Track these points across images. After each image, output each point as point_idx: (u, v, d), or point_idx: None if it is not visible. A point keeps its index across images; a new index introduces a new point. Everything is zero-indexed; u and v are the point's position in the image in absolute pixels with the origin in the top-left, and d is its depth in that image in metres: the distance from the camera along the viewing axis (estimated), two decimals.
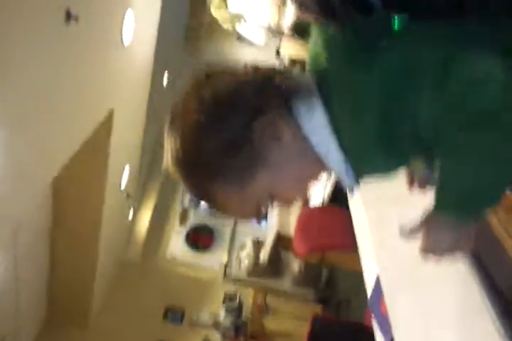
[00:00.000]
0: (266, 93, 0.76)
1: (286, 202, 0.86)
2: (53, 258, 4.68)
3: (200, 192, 0.82)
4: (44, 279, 4.81)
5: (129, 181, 5.52)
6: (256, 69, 0.80)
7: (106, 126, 3.92)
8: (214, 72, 0.80)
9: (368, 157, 0.80)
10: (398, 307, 1.70)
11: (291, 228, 3.81)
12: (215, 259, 6.79)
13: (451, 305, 1.33)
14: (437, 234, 0.79)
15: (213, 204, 0.83)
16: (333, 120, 0.77)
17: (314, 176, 0.85)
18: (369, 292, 2.15)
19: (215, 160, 0.76)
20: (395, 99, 0.72)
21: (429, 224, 0.80)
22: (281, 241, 6.70)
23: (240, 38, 8.18)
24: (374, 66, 0.72)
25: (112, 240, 5.29)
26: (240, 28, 7.44)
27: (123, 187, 5.28)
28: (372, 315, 2.12)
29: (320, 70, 0.80)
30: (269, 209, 0.85)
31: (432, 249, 0.81)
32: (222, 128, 0.75)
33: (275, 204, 0.85)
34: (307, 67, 0.86)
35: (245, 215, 0.90)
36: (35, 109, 2.66)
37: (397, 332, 1.66)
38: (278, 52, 5.75)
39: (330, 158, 0.80)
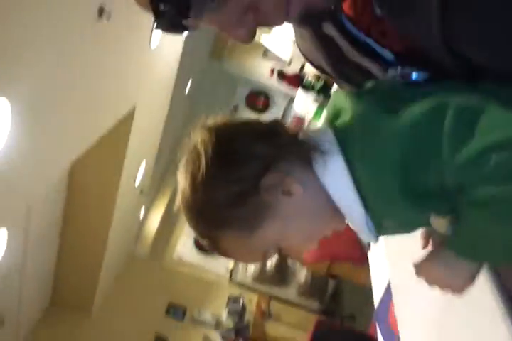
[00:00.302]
0: (278, 147, 0.76)
1: (294, 254, 0.86)
2: (62, 245, 4.73)
3: (205, 237, 0.80)
4: (51, 264, 4.86)
5: (143, 178, 5.59)
6: (272, 123, 0.81)
7: (127, 122, 3.98)
8: (231, 121, 0.80)
9: (391, 211, 0.76)
10: (407, 317, 1.69)
11: None
12: (221, 263, 6.80)
13: (465, 316, 1.32)
14: (436, 266, 0.77)
15: (218, 250, 0.81)
16: (354, 173, 0.75)
17: (326, 233, 0.83)
18: (376, 303, 2.15)
19: (222, 211, 0.76)
20: (419, 148, 0.70)
21: (432, 256, 0.79)
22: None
23: (266, 52, 8.23)
24: (399, 115, 0.71)
25: (121, 233, 5.34)
26: (267, 42, 7.47)
27: (137, 183, 5.35)
28: (378, 327, 2.11)
29: (340, 123, 0.79)
30: (275, 257, 0.87)
31: (424, 276, 0.80)
32: (231, 181, 0.74)
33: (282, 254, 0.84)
34: (325, 120, 0.86)
35: (249, 262, 0.89)
36: (61, 97, 2.72)
37: None
38: (302, 68, 5.76)
39: (350, 212, 0.78)
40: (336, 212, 0.79)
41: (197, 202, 0.78)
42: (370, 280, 2.28)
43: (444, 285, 0.79)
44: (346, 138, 0.76)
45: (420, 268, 0.80)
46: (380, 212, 0.77)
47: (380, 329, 2.15)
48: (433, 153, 0.69)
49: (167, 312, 5.96)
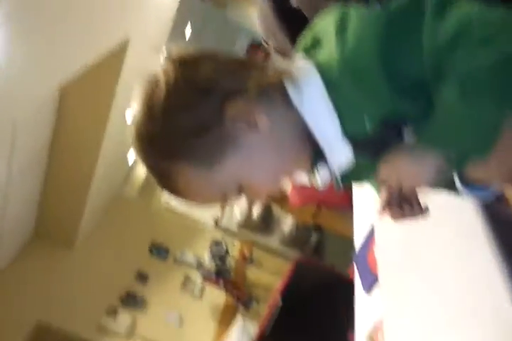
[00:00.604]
0: (241, 77, 0.71)
1: (255, 196, 0.78)
2: (48, 173, 4.67)
3: (160, 173, 0.75)
4: (36, 193, 4.83)
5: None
6: (238, 57, 0.76)
7: (119, 54, 3.86)
8: (198, 54, 0.74)
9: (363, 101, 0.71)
10: (388, 258, 1.68)
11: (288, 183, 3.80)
12: (208, 213, 6.84)
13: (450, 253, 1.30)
14: (405, 161, 0.72)
15: (173, 188, 0.76)
16: (332, 91, 0.71)
17: (289, 172, 0.79)
18: (357, 246, 2.15)
19: (181, 140, 0.71)
20: (399, 27, 0.68)
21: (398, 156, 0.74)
22: (277, 199, 6.74)
23: None
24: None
25: (109, 169, 5.31)
26: None
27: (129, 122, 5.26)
28: (355, 266, 2.13)
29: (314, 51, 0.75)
30: (235, 199, 0.77)
31: (389, 174, 0.75)
32: (193, 110, 0.70)
33: (244, 194, 0.78)
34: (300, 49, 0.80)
35: (207, 202, 0.79)
36: (53, 15, 2.62)
37: (383, 282, 1.64)
38: None
39: (325, 136, 0.73)
40: (301, 149, 0.76)
41: (152, 131, 0.72)
42: (353, 232, 2.29)
43: (411, 181, 0.75)
44: (323, 63, 0.71)
45: (388, 165, 0.75)
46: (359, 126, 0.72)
47: (358, 270, 2.17)
48: (413, 30, 0.66)
49: (150, 251, 6.04)
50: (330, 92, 0.71)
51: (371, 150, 0.76)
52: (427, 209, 0.91)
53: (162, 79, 0.71)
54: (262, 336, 2.75)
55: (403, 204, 0.88)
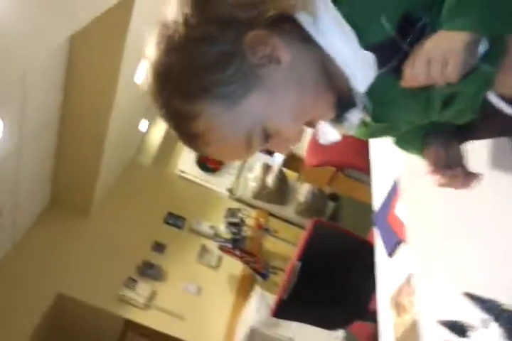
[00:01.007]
0: (258, 8, 0.69)
1: (281, 141, 0.76)
2: (61, 137, 4.58)
3: (182, 117, 0.72)
4: (49, 158, 4.75)
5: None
6: None
7: (128, 3, 3.71)
8: None
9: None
10: (417, 212, 1.60)
11: (303, 148, 3.71)
12: (222, 182, 6.81)
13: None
14: (432, 42, 0.70)
15: (196, 136, 0.73)
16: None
17: (314, 112, 0.76)
18: (377, 205, 2.08)
19: (202, 75, 0.68)
20: None
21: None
22: (291, 162, 6.67)
23: None
24: None
25: (122, 133, 5.19)
26: None
27: (140, 82, 5.13)
28: (376, 228, 2.06)
29: None
30: (261, 148, 0.76)
31: (420, 59, 0.71)
32: (213, 42, 0.68)
33: (269, 144, 0.76)
34: None
35: (233, 151, 0.76)
36: None
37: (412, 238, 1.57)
38: None
39: (342, 55, 0.73)
40: (324, 86, 0.75)
41: (172, 68, 0.69)
42: (371, 199, 2.22)
43: (443, 54, 0.70)
44: None
45: (418, 50, 0.72)
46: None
47: (380, 231, 2.10)
48: None
49: (165, 220, 6.03)
50: (340, 7, 0.71)
51: (392, 60, 0.75)
52: (478, 174, 0.89)
53: (178, 17, 0.70)
54: (280, 302, 2.71)
55: (453, 167, 0.89)
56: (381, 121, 0.85)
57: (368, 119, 0.84)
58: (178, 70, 0.69)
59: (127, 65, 4.10)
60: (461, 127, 0.93)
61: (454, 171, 0.90)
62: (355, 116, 0.81)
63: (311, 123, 0.79)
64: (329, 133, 0.85)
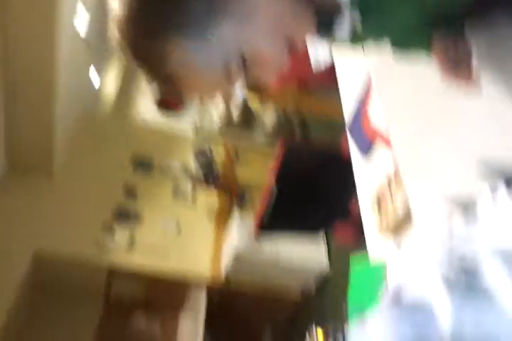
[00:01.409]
0: None
1: (260, 70, 0.71)
2: (8, 95, 4.30)
3: (153, 59, 0.66)
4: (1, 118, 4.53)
5: (89, 30, 5.06)
6: None
7: None
8: None
9: None
10: (394, 106, 1.51)
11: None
12: (187, 122, 6.63)
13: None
14: None
15: (172, 75, 0.68)
16: None
17: (292, 31, 0.71)
18: (348, 115, 2.00)
19: (168, 7, 0.64)
20: None
21: None
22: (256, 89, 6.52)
23: None
24: None
25: (72, 88, 4.97)
26: None
27: (82, 32, 4.85)
28: (349, 134, 2.00)
29: None
30: (241, 79, 0.71)
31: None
32: None
33: (248, 75, 0.71)
34: None
35: (212, 84, 0.71)
36: None
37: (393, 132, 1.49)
38: None
39: None
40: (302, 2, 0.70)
41: (135, 8, 0.64)
42: (339, 113, 2.13)
43: None
44: None
45: None
46: None
47: (352, 137, 2.04)
48: None
49: (134, 166, 5.89)
50: None
51: None
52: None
53: None
54: (260, 225, 2.68)
55: (460, 63, 0.87)
56: (372, 27, 0.78)
57: (359, 27, 0.77)
58: (142, 7, 0.65)
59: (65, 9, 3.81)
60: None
61: (460, 69, 0.87)
62: (343, 27, 0.75)
63: (293, 42, 0.72)
64: (320, 55, 0.81)
